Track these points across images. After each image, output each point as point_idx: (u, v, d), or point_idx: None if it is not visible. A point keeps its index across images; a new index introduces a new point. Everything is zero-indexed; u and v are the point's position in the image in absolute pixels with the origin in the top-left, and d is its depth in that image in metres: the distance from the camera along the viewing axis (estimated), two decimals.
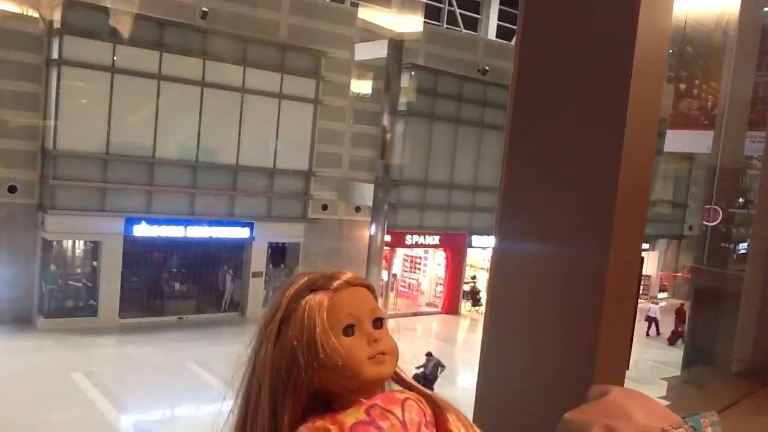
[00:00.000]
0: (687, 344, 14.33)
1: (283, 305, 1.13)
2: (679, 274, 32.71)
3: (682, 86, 15.40)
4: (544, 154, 1.64)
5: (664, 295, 34.21)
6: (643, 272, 29.93)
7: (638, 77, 1.50)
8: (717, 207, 12.91)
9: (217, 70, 20.40)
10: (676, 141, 15.74)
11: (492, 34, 28.81)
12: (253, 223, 22.04)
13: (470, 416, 1.23)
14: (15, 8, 18.44)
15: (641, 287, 28.55)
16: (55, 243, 20.03)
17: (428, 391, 1.20)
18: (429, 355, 16.42)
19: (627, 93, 1.49)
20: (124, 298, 20.56)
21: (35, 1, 18.53)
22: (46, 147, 18.96)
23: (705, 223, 13.42)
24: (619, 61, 1.50)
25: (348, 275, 1.16)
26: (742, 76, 12.04)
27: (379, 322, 1.14)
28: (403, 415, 1.11)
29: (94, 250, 20.51)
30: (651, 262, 32.89)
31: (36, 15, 18.63)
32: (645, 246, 30.50)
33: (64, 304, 20.12)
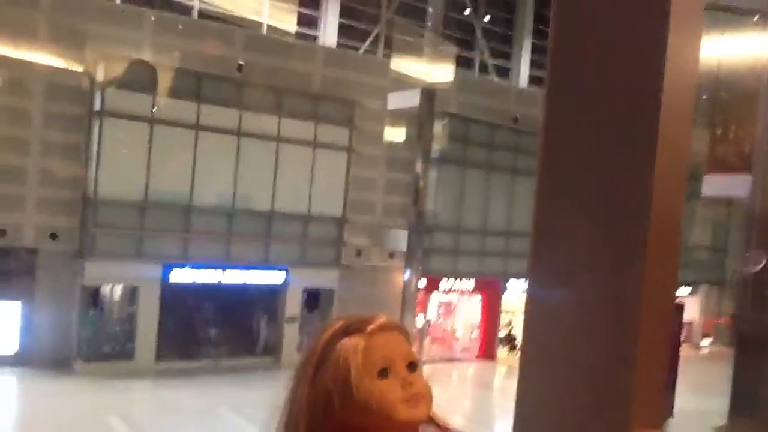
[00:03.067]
0: (732, 393, 13.88)
1: (319, 348, 1.16)
2: (722, 320, 31.85)
3: (719, 131, 15.28)
4: (575, 197, 1.66)
5: (708, 341, 33.28)
6: (685, 318, 29.21)
7: (667, 121, 1.51)
8: (758, 252, 12.63)
9: (253, 119, 20.83)
10: (714, 185, 15.54)
11: (524, 82, 28.99)
12: (287, 268, 22.16)
13: None
14: (62, 63, 19.16)
15: (683, 334, 27.83)
16: (94, 289, 20.34)
17: None
18: None
19: (656, 135, 1.51)
20: (160, 342, 20.70)
21: (80, 56, 19.25)
22: (87, 195, 19.43)
23: (745, 268, 13.14)
24: (647, 104, 1.53)
25: (382, 319, 1.19)
26: None
27: (413, 366, 1.16)
28: None
29: (132, 295, 20.78)
30: (692, 308, 32.08)
31: (80, 70, 19.33)
32: (686, 291, 29.89)
33: (101, 348, 20.32)
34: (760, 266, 12.61)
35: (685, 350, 27.20)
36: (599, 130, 1.61)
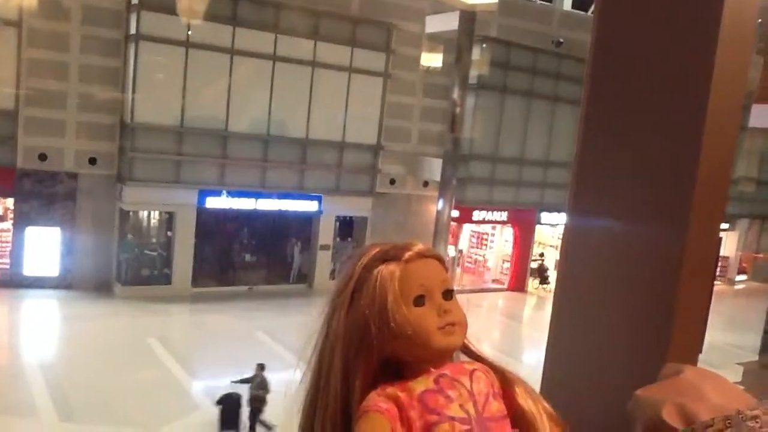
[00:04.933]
0: (765, 329, 13.81)
1: (355, 275, 1.15)
2: (761, 256, 31.43)
3: None
4: (621, 128, 1.60)
5: (743, 277, 32.95)
6: (721, 253, 28.88)
7: (724, 47, 1.44)
8: None
9: (289, 44, 20.61)
10: (763, 115, 15.04)
11: (568, 4, 27.99)
12: (321, 196, 22.32)
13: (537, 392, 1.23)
14: None
15: (718, 269, 27.61)
16: (132, 213, 20.80)
17: (497, 364, 1.20)
18: (260, 368, 12.65)
19: (712, 64, 1.43)
20: (196, 267, 21.23)
21: None
22: (125, 120, 19.61)
23: None
24: (704, 31, 1.45)
25: (419, 247, 1.17)
26: None
27: (449, 294, 1.15)
28: (471, 385, 1.12)
29: (168, 220, 21.22)
30: (730, 243, 31.65)
31: None
32: (724, 226, 29.43)
33: (140, 272, 20.94)
34: None
35: (718, 286, 27.04)
36: (652, 56, 1.53)
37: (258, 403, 12.29)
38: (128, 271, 20.72)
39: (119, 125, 19.87)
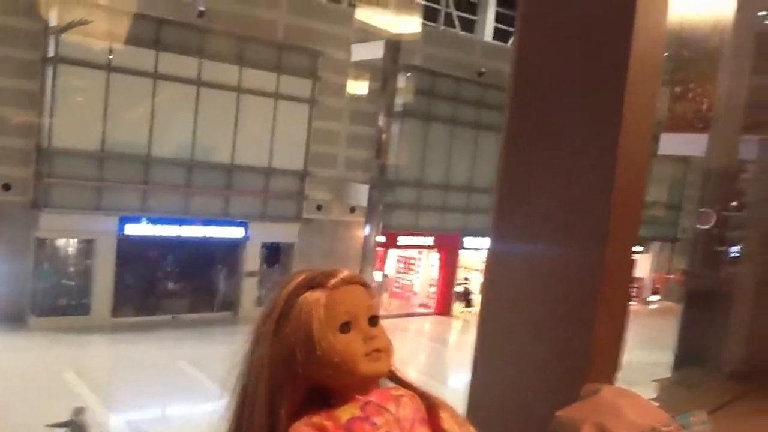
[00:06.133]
0: (678, 347, 14.37)
1: (281, 302, 1.14)
2: (672, 277, 32.79)
3: (678, 89, 15.47)
4: (540, 155, 1.66)
5: (657, 297, 34.27)
6: (636, 274, 29.98)
7: (634, 80, 1.51)
8: (710, 210, 12.95)
9: (214, 69, 20.37)
10: (671, 144, 15.80)
11: (489, 35, 28.83)
12: (247, 222, 22.02)
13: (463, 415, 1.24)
14: (12, 6, 18.38)
15: (633, 289, 28.61)
16: (48, 241, 19.96)
17: (423, 389, 1.21)
18: (78, 412, 11.56)
19: (623, 95, 1.50)
20: (117, 296, 20.51)
21: None
22: (41, 144, 18.89)
23: (698, 226, 13.47)
24: (615, 63, 1.52)
25: (345, 273, 1.18)
26: (737, 79, 12.10)
27: (375, 320, 1.16)
28: (397, 411, 1.13)
29: (87, 248, 20.45)
30: (643, 265, 32.94)
31: (33, 13, 18.56)
32: (638, 248, 30.61)
33: (56, 302, 20.05)
34: (712, 223, 12.95)
35: (633, 306, 28.05)
36: (567, 87, 1.60)
37: None
38: (44, 302, 19.80)
39: (35, 150, 19.11)
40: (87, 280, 20.30)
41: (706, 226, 12.94)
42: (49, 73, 18.61)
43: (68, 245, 20.78)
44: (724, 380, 2.97)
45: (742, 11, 11.91)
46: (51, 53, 18.54)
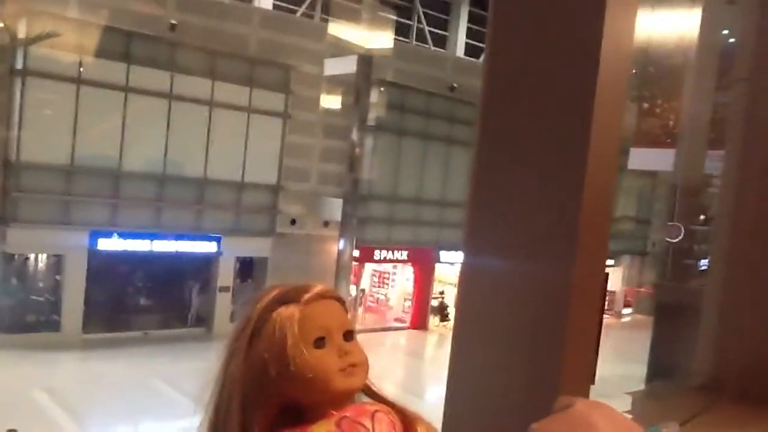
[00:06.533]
0: (650, 359, 14.55)
1: (254, 318, 1.14)
2: (643, 290, 33.19)
3: (645, 105, 15.76)
4: (511, 169, 1.68)
5: (629, 310, 34.64)
6: (608, 288, 30.29)
7: (602, 95, 1.54)
8: (678, 224, 13.17)
9: (186, 83, 20.26)
10: (640, 158, 16.07)
11: (461, 51, 29.11)
12: (220, 237, 21.85)
13: (439, 429, 1.25)
14: None
15: (606, 302, 28.89)
16: (16, 257, 19.61)
17: (398, 404, 1.21)
18: None
19: (591, 110, 1.53)
20: (87, 313, 20.17)
21: None
22: (9, 158, 18.59)
23: (667, 239, 13.69)
24: (583, 80, 1.55)
25: (319, 288, 1.18)
26: (702, 96, 12.36)
27: (349, 335, 1.16)
28: (373, 426, 1.13)
29: (57, 264, 20.13)
30: (615, 278, 33.27)
31: (0, 24, 18.34)
32: (610, 262, 30.94)
33: (25, 318, 19.69)
34: (680, 237, 13.17)
35: (607, 319, 28.32)
36: (536, 103, 1.62)
37: None
38: (12, 318, 19.41)
39: (2, 164, 18.80)
40: (56, 296, 19.96)
41: (675, 240, 13.15)
42: (17, 85, 18.35)
43: (37, 260, 20.45)
44: (695, 392, 3.01)
45: (706, 29, 12.20)
46: (19, 66, 18.30)
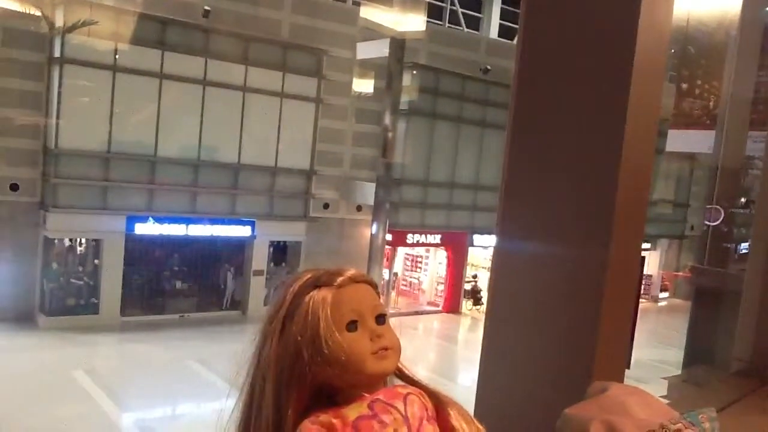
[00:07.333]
0: (687, 344, 14.34)
1: (287, 301, 1.15)
2: (680, 274, 32.68)
3: (684, 86, 15.42)
4: (544, 153, 1.66)
5: (666, 294, 34.18)
6: (645, 272, 29.90)
7: (638, 76, 1.51)
8: (718, 207, 12.90)
9: (219, 68, 20.41)
10: (678, 140, 15.76)
11: (494, 33, 28.81)
12: (254, 221, 22.06)
13: (471, 412, 1.25)
14: (17, 7, 18.45)
15: (642, 287, 28.53)
16: (56, 241, 20.06)
17: (431, 387, 1.21)
18: None
19: (627, 92, 1.50)
20: (125, 296, 20.59)
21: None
22: (48, 145, 18.98)
23: (706, 222, 13.43)
24: (619, 60, 1.52)
25: (351, 272, 1.18)
26: (744, 75, 12.04)
27: (381, 318, 1.16)
28: (405, 409, 1.13)
29: (95, 248, 20.54)
30: (652, 262, 32.84)
31: (38, 13, 18.64)
32: (646, 246, 30.52)
33: (65, 302, 20.14)
34: (719, 220, 12.90)
35: (643, 303, 27.98)
36: (571, 84, 1.60)
37: None
38: (53, 301, 19.90)
39: (42, 151, 19.21)
40: (96, 280, 20.39)
41: (714, 223, 12.89)
42: (55, 74, 18.68)
43: (77, 245, 20.89)
44: (733, 378, 2.96)
45: (749, 6, 11.86)
46: (57, 54, 18.61)
